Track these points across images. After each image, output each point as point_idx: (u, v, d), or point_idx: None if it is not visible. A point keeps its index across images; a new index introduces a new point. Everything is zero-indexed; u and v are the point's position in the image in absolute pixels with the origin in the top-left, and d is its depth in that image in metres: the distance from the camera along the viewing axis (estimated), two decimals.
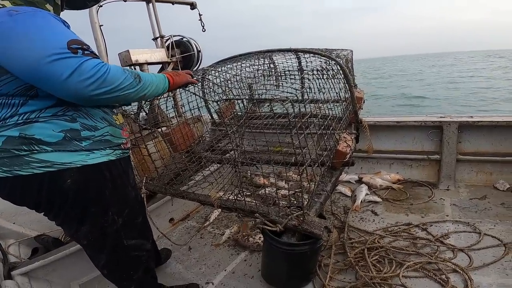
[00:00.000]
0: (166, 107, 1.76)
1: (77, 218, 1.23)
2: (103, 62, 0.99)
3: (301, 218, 1.35)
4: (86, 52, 0.99)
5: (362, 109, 2.15)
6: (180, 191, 1.66)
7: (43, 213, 1.24)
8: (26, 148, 1.04)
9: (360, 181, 2.92)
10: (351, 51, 2.46)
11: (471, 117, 2.69)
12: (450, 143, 2.71)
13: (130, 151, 1.76)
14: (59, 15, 1.26)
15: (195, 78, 1.51)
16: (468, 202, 2.42)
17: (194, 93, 1.53)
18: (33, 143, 1.04)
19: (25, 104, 1.03)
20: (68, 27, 1.10)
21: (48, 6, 1.15)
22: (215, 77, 1.69)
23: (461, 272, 1.68)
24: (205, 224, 2.55)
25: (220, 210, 2.66)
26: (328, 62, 1.77)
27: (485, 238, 1.96)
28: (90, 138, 1.15)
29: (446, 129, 2.71)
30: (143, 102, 1.78)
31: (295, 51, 2.10)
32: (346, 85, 1.81)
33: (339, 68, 1.78)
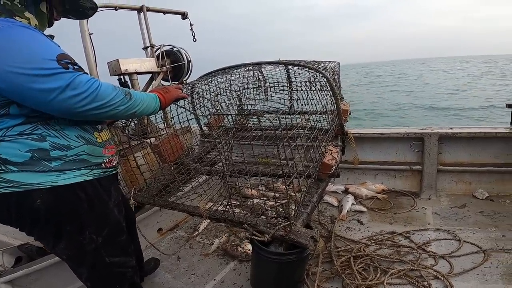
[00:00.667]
0: (155, 118, 1.77)
1: (53, 235, 1.19)
2: (94, 78, 1.01)
3: (288, 229, 1.39)
4: (75, 67, 0.99)
5: (348, 121, 2.22)
6: (168, 202, 1.67)
7: (19, 229, 1.19)
8: None
9: (346, 191, 2.99)
10: (338, 63, 2.54)
11: (451, 128, 2.81)
12: (431, 154, 2.81)
13: (119, 167, 1.74)
14: (48, 24, 1.25)
15: (185, 91, 1.53)
16: (449, 211, 2.51)
17: (184, 107, 1.56)
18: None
19: None
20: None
21: (27, 14, 1.12)
22: (204, 90, 1.72)
23: (442, 278, 1.73)
24: (194, 234, 2.56)
25: (209, 220, 2.67)
26: (315, 75, 1.83)
27: (465, 245, 2.03)
28: (61, 158, 1.09)
29: (427, 140, 2.81)
30: None
31: (284, 64, 2.16)
32: (333, 98, 1.88)
33: (326, 81, 1.84)
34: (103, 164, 1.25)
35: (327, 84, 1.84)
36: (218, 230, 2.60)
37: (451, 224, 2.30)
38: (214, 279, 2.00)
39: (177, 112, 1.80)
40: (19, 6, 1.10)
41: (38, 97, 0.94)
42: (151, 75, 3.44)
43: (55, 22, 1.29)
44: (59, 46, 1.06)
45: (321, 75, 1.83)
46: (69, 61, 0.98)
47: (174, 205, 1.62)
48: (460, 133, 2.71)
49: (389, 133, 2.99)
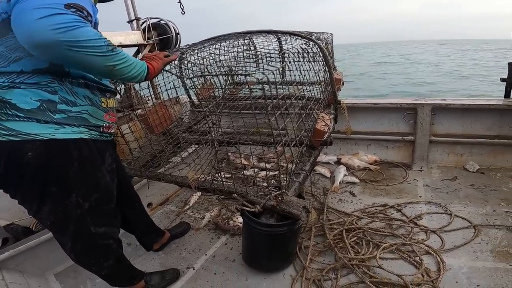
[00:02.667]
0: (140, 87, 1.68)
1: (37, 196, 1.17)
2: (82, 21, 0.95)
3: (280, 198, 1.35)
4: (79, 13, 0.96)
5: (340, 90, 2.17)
6: (156, 173, 1.61)
7: (2, 189, 1.18)
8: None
9: (338, 162, 2.97)
10: (331, 34, 2.46)
11: (444, 100, 2.78)
12: (424, 124, 2.78)
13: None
14: None
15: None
16: (440, 183, 2.51)
17: (170, 72, 1.48)
18: (7, 107, 1.03)
19: (19, 60, 1.04)
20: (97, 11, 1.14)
21: None
22: (192, 55, 1.64)
23: (434, 254, 1.73)
24: (184, 208, 2.52)
25: (200, 193, 2.64)
26: (308, 44, 1.75)
27: (456, 219, 2.02)
28: (65, 112, 1.12)
29: (420, 111, 2.78)
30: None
31: (275, 33, 2.07)
32: (326, 66, 1.81)
33: (319, 50, 1.77)
34: (101, 128, 1.26)
35: (320, 53, 1.77)
36: (209, 203, 2.56)
37: (442, 197, 2.30)
38: (206, 254, 1.98)
39: (164, 81, 1.71)
40: None
41: (17, 19, 0.93)
42: (137, 48, 3.32)
43: None
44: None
45: (313, 43, 1.76)
46: (76, 8, 0.96)
47: (162, 176, 1.57)
48: (453, 104, 2.68)
49: (382, 103, 2.96)
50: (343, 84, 2.21)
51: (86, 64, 1.02)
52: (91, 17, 1.03)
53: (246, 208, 1.40)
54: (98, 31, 1.03)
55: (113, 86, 1.40)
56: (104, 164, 1.29)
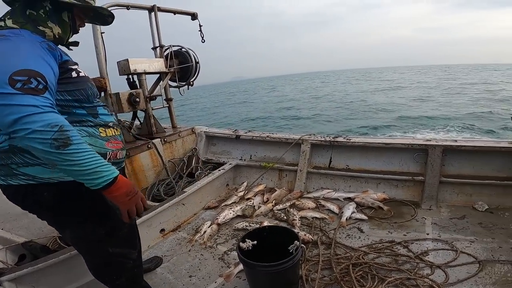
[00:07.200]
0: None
1: (58, 225, 1.36)
2: (45, 108, 0.96)
3: None
4: (27, 86, 0.95)
5: None
6: None
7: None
8: (16, 161, 1.13)
9: (349, 199, 2.99)
10: None
11: (455, 141, 2.82)
12: (434, 165, 2.81)
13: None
14: (72, 31, 1.31)
15: None
16: (448, 222, 2.51)
17: None
18: (22, 153, 1.12)
19: None
20: (58, 55, 1.13)
21: (50, 23, 1.18)
22: None
23: None
24: (195, 237, 2.56)
25: (210, 222, 2.71)
26: None
27: (462, 255, 2.04)
28: None
29: (431, 152, 2.82)
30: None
31: None
32: None
33: None
34: (106, 156, 1.29)
35: None
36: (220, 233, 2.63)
37: (450, 235, 2.31)
38: (215, 282, 2.02)
39: None
40: (43, 16, 1.17)
41: None
42: (159, 75, 3.48)
43: (80, 28, 1.36)
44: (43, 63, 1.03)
45: None
46: (22, 80, 0.95)
47: None
48: (465, 146, 2.72)
49: (393, 143, 3.01)
50: None
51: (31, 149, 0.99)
52: (44, 80, 1.00)
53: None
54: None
55: (113, 119, 1.41)
56: None
